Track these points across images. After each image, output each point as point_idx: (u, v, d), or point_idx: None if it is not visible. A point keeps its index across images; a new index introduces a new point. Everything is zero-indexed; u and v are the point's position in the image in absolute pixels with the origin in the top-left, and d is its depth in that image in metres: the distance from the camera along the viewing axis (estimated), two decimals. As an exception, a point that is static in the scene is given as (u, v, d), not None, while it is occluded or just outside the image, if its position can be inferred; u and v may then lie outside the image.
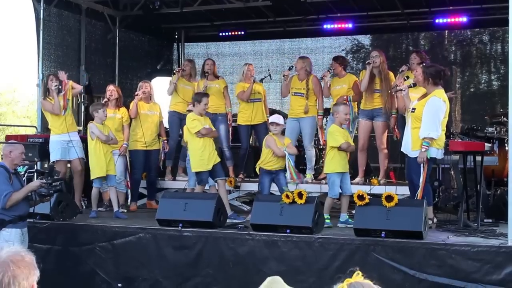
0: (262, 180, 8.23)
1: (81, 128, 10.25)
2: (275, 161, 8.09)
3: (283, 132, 8.50)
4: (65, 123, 8.93)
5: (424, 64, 7.96)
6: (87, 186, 8.97)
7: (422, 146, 6.90)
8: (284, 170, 8.06)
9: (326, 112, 9.87)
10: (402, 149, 7.41)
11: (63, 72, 9.13)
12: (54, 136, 9.06)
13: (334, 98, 9.28)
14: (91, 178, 8.66)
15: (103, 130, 8.58)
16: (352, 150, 7.83)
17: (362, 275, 2.56)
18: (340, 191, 7.68)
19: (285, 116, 10.09)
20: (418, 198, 6.88)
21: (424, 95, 7.19)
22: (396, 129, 8.81)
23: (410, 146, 7.14)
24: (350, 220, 7.52)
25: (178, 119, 9.84)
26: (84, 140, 9.07)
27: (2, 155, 6.85)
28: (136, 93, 9.34)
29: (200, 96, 8.45)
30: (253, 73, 9.73)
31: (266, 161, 8.15)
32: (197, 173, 8.34)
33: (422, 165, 6.93)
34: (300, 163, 9.90)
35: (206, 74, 9.74)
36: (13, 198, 6.51)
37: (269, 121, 8.32)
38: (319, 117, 9.36)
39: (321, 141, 9.80)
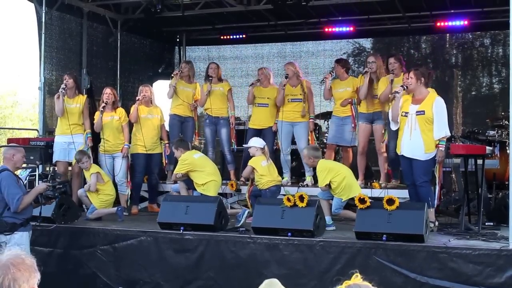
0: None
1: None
2: (262, 183, 8.35)
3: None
4: (68, 125, 8.98)
5: (414, 67, 7.89)
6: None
7: (440, 145, 7.11)
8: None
9: (328, 115, 9.89)
10: (406, 154, 7.37)
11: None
12: (56, 137, 9.23)
13: (337, 100, 9.31)
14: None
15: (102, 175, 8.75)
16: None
17: (361, 277, 2.56)
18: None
19: None
20: (437, 200, 6.95)
21: (416, 99, 7.28)
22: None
23: (422, 149, 7.18)
24: (329, 223, 7.59)
25: (178, 122, 9.85)
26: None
27: (3, 158, 6.84)
28: (137, 98, 9.35)
29: (177, 145, 8.78)
30: (261, 77, 9.68)
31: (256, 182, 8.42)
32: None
33: (437, 165, 7.11)
34: (300, 167, 9.90)
35: (210, 78, 9.75)
36: (25, 201, 6.52)
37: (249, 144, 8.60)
38: (310, 120, 9.37)
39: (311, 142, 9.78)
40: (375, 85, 8.81)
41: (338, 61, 9.56)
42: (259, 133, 9.74)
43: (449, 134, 7.20)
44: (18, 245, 6.32)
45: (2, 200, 6.46)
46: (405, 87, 7.47)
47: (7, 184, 6.49)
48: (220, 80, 9.96)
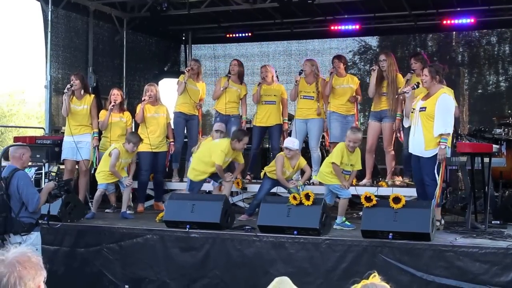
0: (264, 182, 8.40)
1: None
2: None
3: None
4: (75, 126, 9.02)
5: (428, 65, 7.86)
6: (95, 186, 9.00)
7: (441, 143, 6.90)
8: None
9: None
10: (410, 150, 7.38)
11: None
12: (65, 136, 9.25)
13: (339, 96, 9.27)
14: (98, 182, 8.77)
15: (126, 157, 8.73)
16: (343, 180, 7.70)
17: (380, 278, 2.56)
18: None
19: (291, 117, 10.07)
20: (437, 198, 6.88)
21: (427, 95, 7.20)
22: (399, 132, 8.83)
23: (423, 147, 7.11)
24: (347, 223, 7.57)
25: (183, 120, 9.84)
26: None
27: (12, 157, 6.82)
28: (143, 98, 9.34)
29: (242, 135, 8.48)
30: (266, 75, 9.65)
31: (273, 171, 8.27)
32: (190, 180, 8.62)
33: (439, 163, 6.94)
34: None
35: (229, 75, 9.75)
36: (42, 200, 6.53)
37: (284, 144, 8.32)
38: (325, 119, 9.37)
39: (326, 142, 9.75)
40: (384, 82, 8.81)
41: (339, 57, 9.53)
42: (265, 131, 9.73)
43: (449, 131, 6.96)
44: (34, 245, 6.30)
45: (18, 200, 6.44)
46: (415, 87, 7.47)
47: (25, 184, 6.48)
48: (240, 80, 9.93)
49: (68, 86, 8.97)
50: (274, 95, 9.63)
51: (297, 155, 8.28)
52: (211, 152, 8.44)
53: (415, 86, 7.49)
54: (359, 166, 7.90)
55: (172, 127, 9.87)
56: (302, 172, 8.43)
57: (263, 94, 9.58)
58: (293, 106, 10.23)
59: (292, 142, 8.19)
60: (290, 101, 9.92)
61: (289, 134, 9.58)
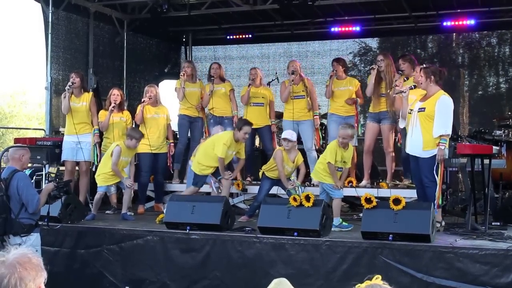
0: (263, 183, 8.41)
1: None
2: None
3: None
4: (75, 124, 9.00)
5: (423, 65, 7.86)
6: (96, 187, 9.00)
7: (440, 143, 6.93)
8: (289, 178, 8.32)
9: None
10: (408, 151, 7.39)
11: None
12: (65, 136, 9.27)
13: (338, 99, 9.33)
14: (98, 184, 8.75)
15: (127, 156, 8.68)
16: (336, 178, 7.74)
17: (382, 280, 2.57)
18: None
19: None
20: (437, 199, 6.89)
21: (425, 96, 7.21)
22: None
23: (421, 147, 7.13)
24: (344, 223, 7.57)
25: (187, 122, 9.87)
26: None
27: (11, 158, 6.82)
28: (143, 100, 9.35)
29: (241, 124, 8.47)
30: (255, 77, 9.70)
31: (272, 169, 8.24)
32: (195, 173, 8.53)
33: (438, 164, 6.95)
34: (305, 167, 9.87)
35: (212, 78, 9.78)
36: (41, 201, 6.53)
37: (282, 136, 8.34)
38: (315, 117, 9.39)
39: (317, 143, 9.73)
40: (382, 83, 8.82)
41: (337, 60, 9.57)
42: (255, 133, 9.74)
43: (449, 132, 6.99)
44: (34, 246, 6.29)
45: (18, 202, 6.44)
46: (412, 87, 7.47)
47: (25, 185, 6.48)
48: (222, 80, 10.01)
49: (69, 83, 8.99)
50: (262, 97, 9.77)
51: (295, 148, 8.31)
52: (214, 145, 8.45)
53: (412, 87, 7.50)
54: (349, 164, 7.96)
55: (176, 128, 9.89)
56: (298, 171, 8.45)
57: (251, 96, 9.64)
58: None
59: (290, 134, 8.23)
60: (282, 102, 9.89)
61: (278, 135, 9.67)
